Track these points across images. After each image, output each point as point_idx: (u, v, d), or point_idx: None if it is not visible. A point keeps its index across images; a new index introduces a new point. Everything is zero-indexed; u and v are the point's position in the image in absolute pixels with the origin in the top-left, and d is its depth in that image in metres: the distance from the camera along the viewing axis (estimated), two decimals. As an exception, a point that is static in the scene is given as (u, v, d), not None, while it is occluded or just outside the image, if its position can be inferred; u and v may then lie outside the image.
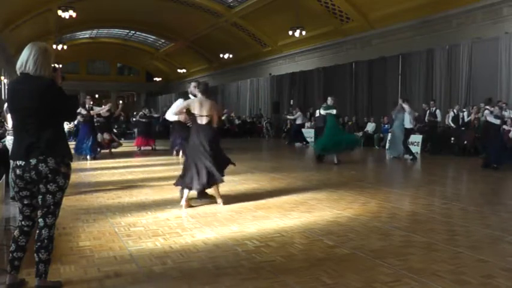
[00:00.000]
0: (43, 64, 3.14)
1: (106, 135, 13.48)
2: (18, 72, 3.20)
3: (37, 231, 3.20)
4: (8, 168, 5.26)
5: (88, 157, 12.12)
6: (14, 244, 3.20)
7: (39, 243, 3.16)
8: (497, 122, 10.61)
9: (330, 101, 11.31)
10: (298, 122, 19.22)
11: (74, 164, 10.49)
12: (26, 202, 3.22)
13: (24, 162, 3.10)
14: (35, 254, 3.17)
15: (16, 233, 3.24)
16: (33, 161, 3.09)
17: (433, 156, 13.54)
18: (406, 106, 12.27)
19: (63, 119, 3.40)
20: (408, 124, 12.36)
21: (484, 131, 11.61)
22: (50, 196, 3.15)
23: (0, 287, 3.25)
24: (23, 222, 3.24)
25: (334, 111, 11.25)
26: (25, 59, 3.13)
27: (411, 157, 12.36)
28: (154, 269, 3.76)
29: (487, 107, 12.23)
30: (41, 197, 3.16)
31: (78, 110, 11.02)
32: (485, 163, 10.51)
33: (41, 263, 3.16)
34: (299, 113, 19.10)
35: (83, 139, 12.11)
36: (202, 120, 6.07)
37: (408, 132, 12.61)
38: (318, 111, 11.67)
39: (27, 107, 3.10)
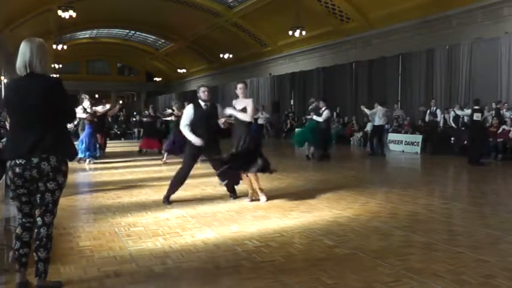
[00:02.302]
0: (46, 61, 3.20)
1: (99, 137, 13.22)
2: (23, 72, 3.16)
3: (35, 230, 3.20)
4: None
5: (88, 160, 11.33)
6: (18, 242, 3.20)
7: (38, 242, 3.16)
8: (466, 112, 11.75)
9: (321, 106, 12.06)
10: (260, 122, 19.20)
11: (74, 164, 10.54)
12: (24, 200, 3.22)
13: (25, 161, 3.09)
14: (34, 253, 3.17)
15: (18, 230, 3.23)
16: (35, 160, 3.09)
17: (433, 156, 13.55)
18: (379, 108, 13.47)
19: (64, 118, 3.39)
20: (377, 122, 13.50)
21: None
22: (49, 194, 3.16)
23: (4, 286, 3.25)
24: (23, 220, 3.24)
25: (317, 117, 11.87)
26: (28, 59, 3.14)
27: (370, 152, 13.53)
28: (154, 269, 3.76)
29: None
30: (39, 195, 3.16)
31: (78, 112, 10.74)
32: (471, 159, 11.16)
33: (40, 261, 3.16)
34: (260, 112, 19.09)
35: (86, 140, 11.32)
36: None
37: (377, 129, 13.74)
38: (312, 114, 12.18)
39: (34, 105, 3.09)
